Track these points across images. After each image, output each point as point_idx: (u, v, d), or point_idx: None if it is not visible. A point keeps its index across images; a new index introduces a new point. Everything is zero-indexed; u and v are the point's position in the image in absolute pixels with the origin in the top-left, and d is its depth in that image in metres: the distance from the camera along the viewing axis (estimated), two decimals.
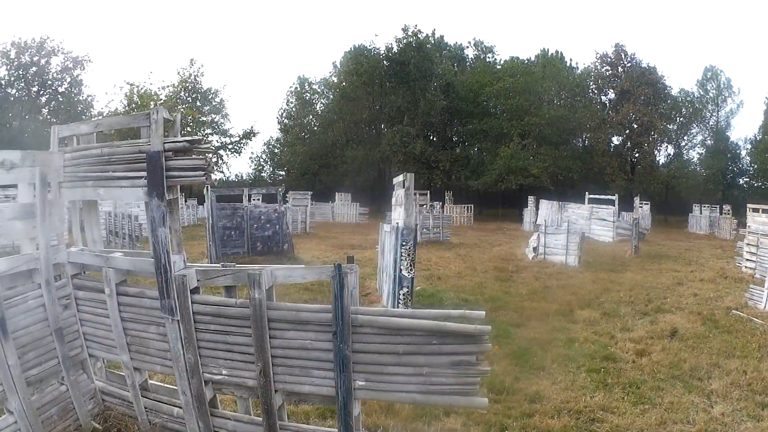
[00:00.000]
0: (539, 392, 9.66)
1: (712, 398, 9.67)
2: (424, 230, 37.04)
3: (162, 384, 7.77)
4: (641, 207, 52.71)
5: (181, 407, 6.91)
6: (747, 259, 25.35)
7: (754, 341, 13.32)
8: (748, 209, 29.36)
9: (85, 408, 7.47)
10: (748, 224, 27.93)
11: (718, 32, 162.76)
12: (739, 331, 14.33)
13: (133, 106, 70.52)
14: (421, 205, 41.33)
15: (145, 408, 7.31)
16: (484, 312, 5.89)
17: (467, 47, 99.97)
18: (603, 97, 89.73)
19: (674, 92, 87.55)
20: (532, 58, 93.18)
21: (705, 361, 11.60)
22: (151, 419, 7.29)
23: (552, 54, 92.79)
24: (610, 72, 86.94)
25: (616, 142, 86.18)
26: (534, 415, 8.71)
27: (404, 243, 12.92)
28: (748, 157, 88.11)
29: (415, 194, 15.53)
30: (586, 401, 9.33)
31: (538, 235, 28.39)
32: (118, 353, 7.19)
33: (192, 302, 6.43)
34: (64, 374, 7.21)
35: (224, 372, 6.58)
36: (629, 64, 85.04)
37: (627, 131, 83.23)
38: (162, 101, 74.23)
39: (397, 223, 13.92)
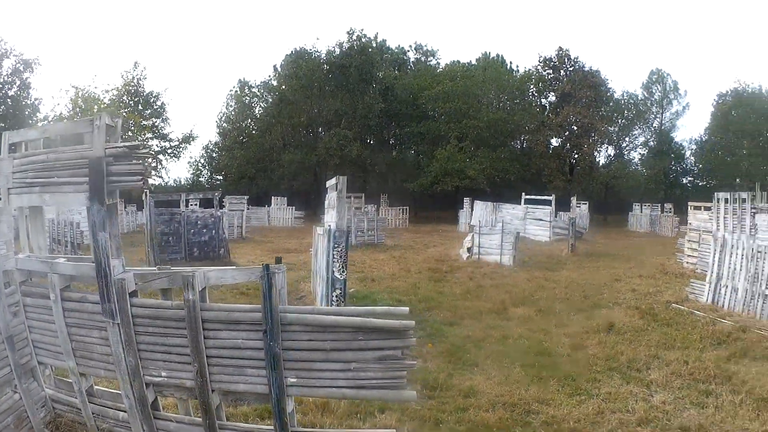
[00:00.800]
0: (473, 387, 9.80)
1: (651, 388, 9.91)
2: (359, 233, 37.13)
3: (107, 389, 7.70)
4: (579, 207, 53.41)
5: (125, 411, 6.91)
6: (689, 255, 26.10)
7: (695, 333, 13.73)
8: (689, 207, 30.23)
9: (38, 416, 7.43)
10: (689, 221, 28.99)
11: (670, 35, 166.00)
12: (680, 324, 14.76)
13: (78, 110, 68.96)
14: (357, 208, 41.24)
15: (93, 414, 7.28)
16: (408, 308, 6.07)
17: (409, 51, 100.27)
18: (543, 100, 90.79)
19: (618, 95, 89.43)
20: (474, 62, 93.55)
21: (644, 353, 11.87)
22: (99, 425, 7.26)
23: (493, 57, 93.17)
24: (552, 75, 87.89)
25: (555, 144, 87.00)
26: (468, 409, 8.86)
27: (336, 245, 13.12)
28: (693, 158, 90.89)
29: (350, 197, 15.70)
30: (521, 394, 9.49)
31: (473, 235, 28.61)
32: (64, 359, 7.15)
33: (131, 305, 6.46)
34: (16, 382, 7.19)
35: (163, 374, 6.60)
36: (572, 68, 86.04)
37: (566, 133, 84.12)
38: (106, 105, 72.77)
39: (330, 226, 14.11)
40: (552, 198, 43.71)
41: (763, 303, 15.73)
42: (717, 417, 8.71)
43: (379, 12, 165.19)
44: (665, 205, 62.87)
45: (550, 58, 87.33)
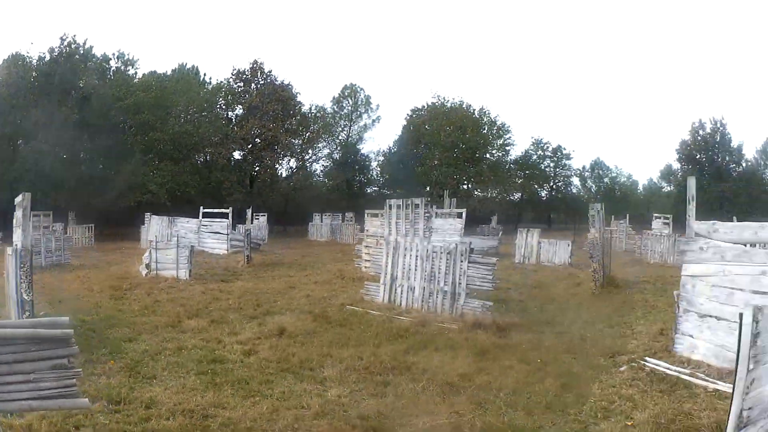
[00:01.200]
0: (153, 398, 9.76)
1: (326, 384, 10.32)
2: (48, 253, 35.03)
3: None
4: (258, 218, 54.56)
5: None
6: (366, 260, 27.36)
7: (370, 331, 14.49)
8: (366, 215, 31.70)
9: None
10: (366, 228, 30.73)
11: (371, 50, 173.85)
12: (354, 324, 15.48)
13: None
14: (45, 227, 38.87)
15: None
16: (68, 318, 6.42)
17: (112, 59, 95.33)
18: (231, 113, 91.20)
19: (306, 108, 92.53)
20: (169, 73, 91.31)
21: (316, 353, 12.29)
22: None
23: (188, 69, 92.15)
24: (242, 88, 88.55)
25: (238, 157, 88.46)
26: (151, 419, 8.85)
27: (22, 265, 12.99)
28: (379, 168, 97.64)
29: (39, 215, 14.74)
30: (198, 401, 9.56)
31: (150, 251, 28.21)
32: None
33: None
34: None
35: None
36: (263, 81, 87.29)
37: (250, 146, 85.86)
38: None
39: (17, 245, 13.83)
40: (229, 211, 44.07)
41: (443, 299, 17.05)
42: (398, 404, 9.30)
43: (93, 16, 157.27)
44: (347, 214, 66.10)
45: (244, 71, 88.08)
